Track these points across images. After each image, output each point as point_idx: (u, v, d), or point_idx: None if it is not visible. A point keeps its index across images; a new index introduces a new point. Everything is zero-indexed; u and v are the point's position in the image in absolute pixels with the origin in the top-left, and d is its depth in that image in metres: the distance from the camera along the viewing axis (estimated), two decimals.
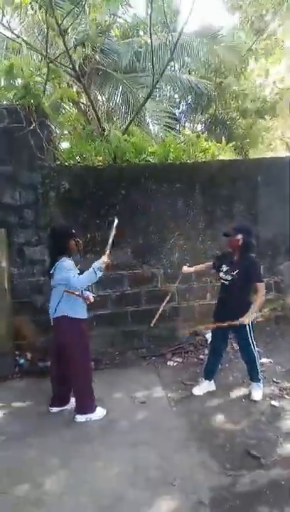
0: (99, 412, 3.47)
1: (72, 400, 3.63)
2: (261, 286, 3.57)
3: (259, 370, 3.74)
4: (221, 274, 3.75)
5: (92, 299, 3.54)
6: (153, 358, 4.78)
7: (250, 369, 3.76)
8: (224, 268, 3.73)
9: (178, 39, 5.43)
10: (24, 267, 4.75)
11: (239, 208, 5.22)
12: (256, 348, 3.72)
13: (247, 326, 3.60)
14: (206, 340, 5.03)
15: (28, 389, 4.10)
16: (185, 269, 4.07)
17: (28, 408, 3.70)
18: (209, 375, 3.90)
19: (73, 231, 3.52)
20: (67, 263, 3.31)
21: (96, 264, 3.25)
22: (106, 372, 4.45)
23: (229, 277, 3.63)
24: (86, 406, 3.45)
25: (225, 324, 3.55)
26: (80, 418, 3.42)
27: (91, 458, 2.91)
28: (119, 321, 4.99)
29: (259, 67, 9.80)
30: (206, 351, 4.83)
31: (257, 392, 3.69)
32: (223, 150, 5.51)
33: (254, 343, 3.68)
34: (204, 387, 3.89)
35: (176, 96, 10.71)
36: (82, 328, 3.41)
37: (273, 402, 3.59)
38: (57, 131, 4.99)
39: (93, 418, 3.42)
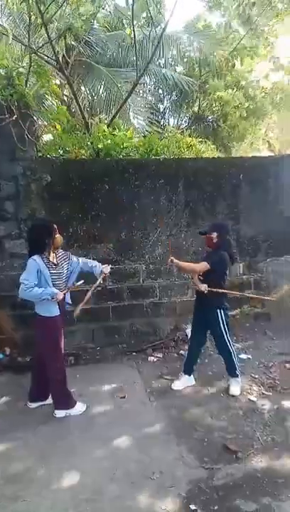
0: (79, 407, 3.46)
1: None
2: (202, 264, 3.58)
3: (236, 366, 3.77)
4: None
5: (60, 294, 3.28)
6: (134, 353, 4.78)
7: (228, 364, 3.80)
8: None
9: (161, 34, 5.42)
10: (4, 261, 4.67)
11: (221, 205, 5.26)
12: (232, 344, 3.76)
13: (221, 323, 3.66)
14: (187, 336, 5.08)
15: (7, 384, 4.05)
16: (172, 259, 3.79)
17: (7, 403, 3.66)
18: (188, 369, 3.95)
19: (50, 227, 3.32)
20: (31, 263, 3.17)
21: (52, 292, 3.16)
22: (87, 368, 4.43)
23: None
24: (63, 402, 3.43)
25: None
26: (59, 414, 3.40)
27: (70, 453, 2.90)
28: (99, 316, 4.97)
29: (245, 64, 9.82)
30: (186, 346, 4.89)
31: (235, 388, 3.74)
32: (206, 148, 5.53)
33: (229, 338, 3.73)
34: (183, 381, 3.93)
35: (160, 91, 10.72)
36: (50, 326, 3.30)
37: (251, 398, 3.66)
38: (40, 123, 4.86)
39: (72, 413, 3.41)
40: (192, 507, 2.36)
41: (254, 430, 3.14)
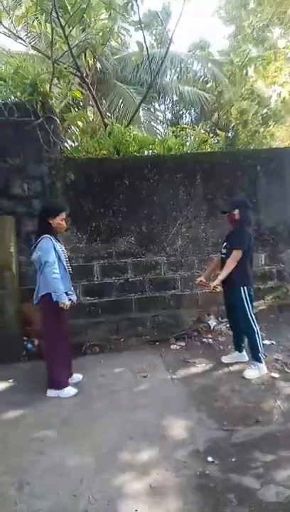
0: (68, 391, 3.45)
1: (75, 374, 3.73)
2: (235, 252, 3.59)
3: (259, 348, 3.68)
4: (221, 250, 3.87)
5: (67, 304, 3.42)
6: (157, 343, 4.84)
7: (251, 345, 3.72)
8: (223, 244, 3.87)
9: (166, 53, 5.75)
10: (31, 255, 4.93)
11: (239, 196, 5.33)
12: (256, 325, 3.69)
13: (244, 301, 3.65)
14: (209, 327, 5.10)
15: (34, 369, 4.20)
16: (201, 281, 3.96)
17: (33, 383, 3.80)
18: (237, 346, 4.00)
19: (57, 209, 3.58)
20: (46, 243, 3.37)
21: (65, 298, 3.35)
22: (111, 355, 4.53)
23: (224, 251, 3.77)
24: (52, 381, 3.47)
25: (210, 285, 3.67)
26: (50, 393, 3.45)
27: (91, 419, 2.99)
28: (123, 308, 5.09)
29: (261, 75, 10.05)
30: (209, 335, 4.91)
31: (252, 371, 3.61)
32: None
33: (253, 317, 3.69)
34: (232, 356, 3.98)
35: (180, 108, 11.15)
36: (50, 304, 3.38)
37: (273, 374, 3.61)
38: (63, 126, 5.23)
39: (61, 395, 3.41)
40: (210, 459, 2.37)
41: (275, 400, 3.10)
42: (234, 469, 2.28)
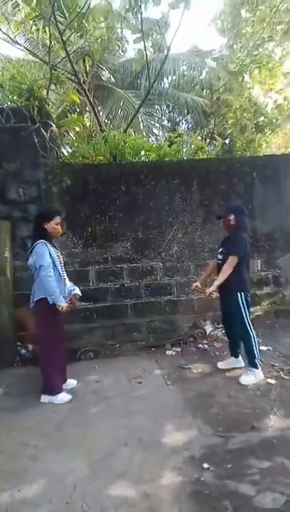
0: (62, 397, 3.42)
1: (69, 380, 3.70)
2: (231, 258, 3.58)
3: (256, 354, 3.65)
4: (217, 256, 3.87)
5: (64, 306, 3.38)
6: (153, 349, 4.81)
7: (248, 350, 3.70)
8: (219, 249, 3.87)
9: (164, 61, 5.82)
10: (27, 260, 4.90)
11: (235, 202, 5.36)
12: (253, 331, 3.68)
13: (241, 307, 3.64)
14: (205, 333, 5.08)
15: (28, 374, 4.15)
16: (196, 286, 3.96)
17: (26, 389, 3.75)
18: (233, 352, 3.97)
19: (51, 214, 3.57)
20: (41, 248, 3.36)
21: (61, 300, 3.33)
22: (105, 361, 4.50)
23: (220, 256, 3.77)
24: (46, 387, 3.44)
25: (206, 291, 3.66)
26: (44, 399, 3.42)
27: (85, 424, 2.96)
28: (118, 313, 5.06)
29: (256, 81, 10.15)
30: (205, 341, 4.89)
31: (248, 377, 3.59)
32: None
33: (250, 322, 3.68)
34: (229, 362, 3.96)
35: (176, 115, 11.24)
36: (48, 306, 3.35)
37: (269, 381, 3.59)
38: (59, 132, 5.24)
39: (55, 402, 3.37)
40: (205, 465, 2.34)
41: (271, 406, 3.08)
42: (229, 476, 2.24)
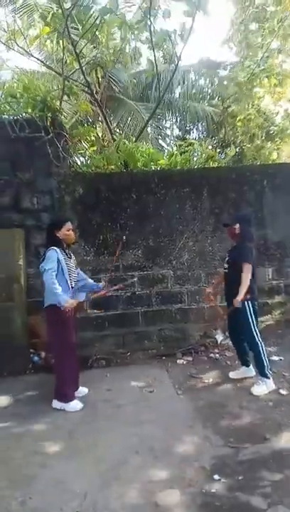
0: (74, 405, 3.42)
1: (81, 388, 3.72)
2: (245, 267, 3.57)
3: (265, 363, 3.62)
4: (224, 265, 3.89)
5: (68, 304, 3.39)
6: (164, 357, 4.81)
7: (256, 360, 3.68)
8: (226, 259, 3.90)
9: (174, 71, 5.89)
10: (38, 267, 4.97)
11: (245, 211, 5.34)
12: (261, 341, 3.65)
13: (248, 315, 3.62)
14: (216, 342, 5.06)
15: (40, 382, 4.18)
16: (209, 293, 4.10)
17: (38, 396, 3.79)
18: (243, 361, 3.95)
19: (58, 222, 3.63)
20: (50, 254, 3.41)
21: (63, 298, 3.32)
22: (117, 369, 4.51)
23: (226, 265, 3.80)
24: (58, 393, 3.45)
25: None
26: (55, 404, 3.43)
27: (96, 433, 2.97)
28: (129, 321, 5.08)
29: (266, 90, 10.16)
30: (217, 350, 4.87)
31: (259, 387, 3.55)
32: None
33: (257, 331, 3.66)
34: (240, 372, 3.93)
35: (187, 124, 11.32)
36: (58, 313, 3.36)
37: (281, 391, 3.55)
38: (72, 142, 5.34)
39: (66, 409, 3.38)
40: (216, 477, 2.33)
41: (283, 418, 3.05)
42: (241, 488, 2.23)
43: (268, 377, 3.60)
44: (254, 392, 3.53)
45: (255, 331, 3.65)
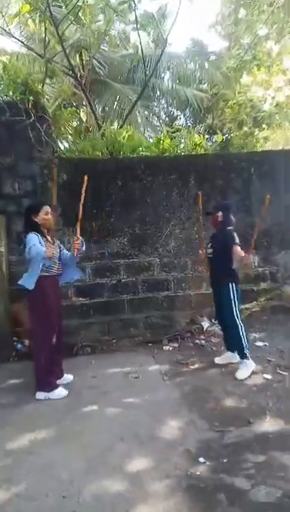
0: (59, 392, 3.38)
1: (66, 375, 3.68)
2: (235, 248, 3.64)
3: (244, 345, 3.65)
4: (207, 251, 3.94)
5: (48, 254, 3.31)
6: (150, 344, 4.81)
7: (236, 342, 3.72)
8: (209, 244, 3.93)
9: (161, 54, 5.77)
10: (22, 255, 4.86)
11: (233, 198, 5.34)
12: (241, 323, 3.70)
13: (231, 297, 3.70)
14: (202, 328, 5.08)
15: (23, 370, 4.13)
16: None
17: (21, 385, 3.74)
18: (229, 346, 3.98)
19: (35, 207, 3.52)
20: (30, 236, 3.31)
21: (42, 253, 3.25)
22: (102, 356, 4.49)
23: (210, 251, 3.89)
24: (41, 383, 3.38)
25: None
26: (39, 395, 3.36)
27: (82, 418, 2.96)
28: (115, 309, 5.06)
29: (255, 79, 10.13)
30: (202, 336, 4.89)
31: (242, 371, 3.59)
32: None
33: (239, 314, 3.72)
34: (225, 357, 3.96)
35: (175, 110, 11.18)
36: (34, 296, 3.34)
37: (266, 376, 3.60)
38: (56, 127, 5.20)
39: (52, 397, 3.33)
40: (201, 460, 2.34)
41: (267, 402, 3.08)
42: (225, 470, 2.25)
43: (247, 358, 3.66)
44: (238, 377, 3.57)
45: (236, 312, 3.71)
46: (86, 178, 3.64)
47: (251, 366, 3.64)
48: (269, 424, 2.73)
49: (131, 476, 2.25)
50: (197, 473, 2.23)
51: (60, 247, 3.67)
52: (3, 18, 4.83)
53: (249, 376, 3.57)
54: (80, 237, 3.56)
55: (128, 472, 2.28)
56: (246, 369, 3.61)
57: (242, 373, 3.59)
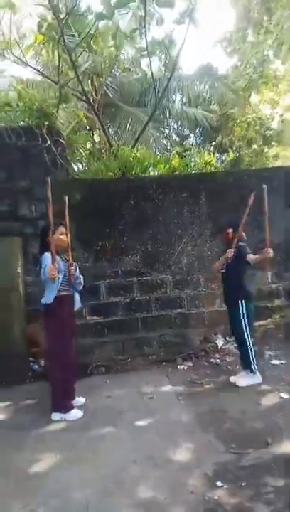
0: (74, 414, 3.38)
1: (78, 398, 3.67)
2: (249, 256, 3.77)
3: (252, 361, 3.73)
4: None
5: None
6: (164, 363, 4.78)
7: (243, 357, 3.79)
8: None
9: (170, 78, 5.95)
10: (38, 276, 4.95)
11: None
12: (250, 340, 3.76)
13: (241, 314, 3.73)
14: (217, 346, 5.03)
15: (40, 391, 4.13)
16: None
17: (38, 405, 3.75)
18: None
19: (47, 227, 3.54)
20: (44, 257, 3.39)
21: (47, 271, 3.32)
22: (116, 375, 4.48)
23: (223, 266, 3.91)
24: (56, 404, 3.39)
25: None
26: (55, 416, 3.37)
27: (97, 440, 2.94)
28: (129, 327, 5.06)
29: (263, 97, 10.27)
30: (217, 355, 4.84)
31: (243, 379, 3.69)
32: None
33: (248, 331, 3.75)
34: (241, 376, 3.92)
35: (185, 129, 11.39)
36: (48, 314, 3.40)
37: (282, 394, 3.53)
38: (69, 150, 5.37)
39: (67, 418, 3.33)
40: (219, 483, 2.30)
41: (284, 421, 3.02)
42: (244, 495, 2.20)
43: (254, 373, 3.73)
44: (238, 384, 3.69)
45: (246, 330, 3.75)
46: (66, 198, 3.70)
47: (255, 379, 3.71)
48: (287, 446, 2.67)
49: (147, 499, 2.21)
50: (215, 497, 2.18)
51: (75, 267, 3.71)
52: (20, 49, 5.05)
53: (252, 385, 3.67)
54: (74, 262, 3.60)
55: (144, 495, 2.25)
56: (250, 379, 3.72)
57: (243, 381, 3.70)
